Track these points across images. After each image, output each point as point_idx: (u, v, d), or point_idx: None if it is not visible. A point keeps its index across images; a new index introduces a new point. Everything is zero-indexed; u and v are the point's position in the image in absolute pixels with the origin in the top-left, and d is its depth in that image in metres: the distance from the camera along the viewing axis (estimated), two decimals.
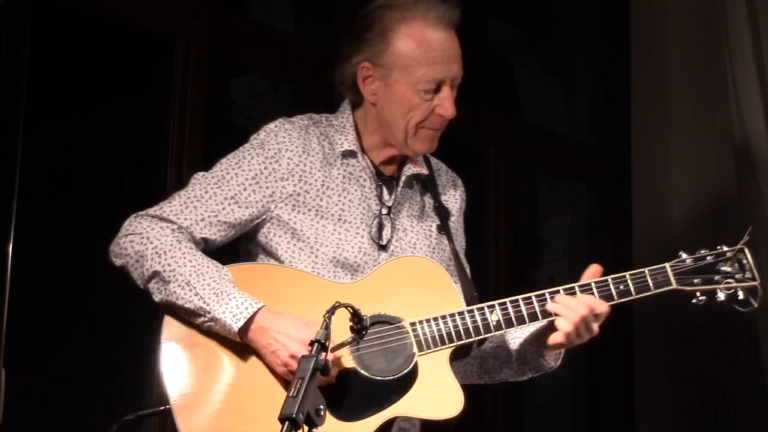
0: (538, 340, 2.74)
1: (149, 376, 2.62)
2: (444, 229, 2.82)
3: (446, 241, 2.81)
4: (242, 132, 4.53)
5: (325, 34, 4.66)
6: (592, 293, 2.67)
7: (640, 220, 5.46)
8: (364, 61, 2.70)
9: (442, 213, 2.84)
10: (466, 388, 2.61)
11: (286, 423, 2.04)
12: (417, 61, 2.65)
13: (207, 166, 3.98)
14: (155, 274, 2.56)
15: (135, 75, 3.96)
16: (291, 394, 2.08)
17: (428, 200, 2.85)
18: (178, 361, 2.55)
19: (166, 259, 2.55)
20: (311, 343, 2.19)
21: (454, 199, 2.92)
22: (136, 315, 3.85)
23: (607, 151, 5.71)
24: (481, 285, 5.01)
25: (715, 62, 4.97)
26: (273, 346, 2.50)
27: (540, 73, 5.79)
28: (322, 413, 2.11)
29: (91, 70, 3.84)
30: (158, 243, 2.57)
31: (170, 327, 2.58)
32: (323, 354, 2.17)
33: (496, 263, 5.04)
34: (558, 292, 2.65)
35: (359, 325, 2.33)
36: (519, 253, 5.25)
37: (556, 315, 2.64)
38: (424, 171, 2.85)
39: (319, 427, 2.20)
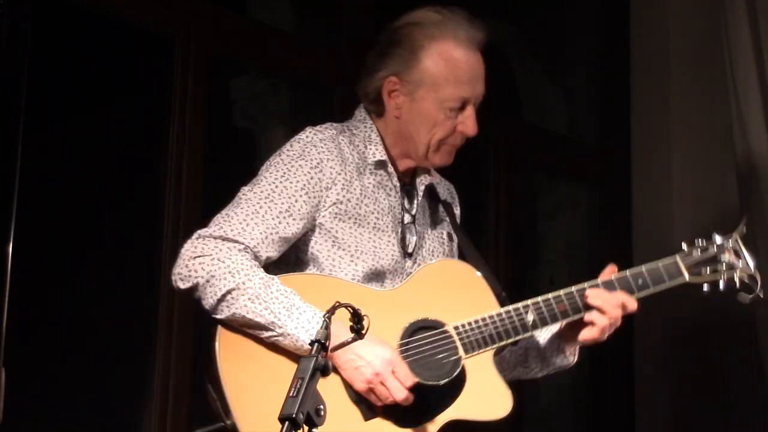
0: (559, 336, 2.82)
1: (149, 377, 2.61)
2: (454, 234, 2.91)
3: (454, 247, 2.90)
4: (242, 132, 4.55)
5: (325, 34, 4.66)
6: (616, 289, 2.76)
7: (640, 220, 5.46)
8: (391, 75, 2.75)
9: (451, 217, 2.92)
10: None
11: (286, 423, 2.04)
12: (445, 80, 2.72)
13: (207, 166, 4.00)
14: (228, 292, 2.55)
15: (135, 75, 3.96)
16: (291, 394, 2.08)
17: (436, 208, 2.92)
18: (239, 376, 2.54)
19: (240, 277, 2.55)
20: (311, 343, 2.19)
21: (454, 205, 3.00)
22: (136, 315, 3.86)
23: (607, 151, 5.71)
24: None
25: (715, 63, 4.97)
26: (356, 362, 2.53)
27: (540, 73, 5.79)
28: (322, 413, 2.11)
29: (91, 70, 3.84)
30: (230, 263, 2.57)
31: (228, 341, 2.57)
32: (323, 354, 2.17)
33: (496, 263, 5.04)
34: (584, 288, 2.75)
35: (359, 325, 2.33)
36: (519, 253, 5.25)
37: (596, 308, 2.72)
38: (436, 180, 2.92)
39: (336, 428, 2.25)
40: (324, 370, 2.15)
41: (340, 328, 2.32)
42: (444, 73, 2.71)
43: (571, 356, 2.86)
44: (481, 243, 5.10)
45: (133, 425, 3.86)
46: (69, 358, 3.65)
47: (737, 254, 2.88)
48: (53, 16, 3.61)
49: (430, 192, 2.90)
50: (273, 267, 2.69)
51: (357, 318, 2.32)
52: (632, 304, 2.76)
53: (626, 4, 5.59)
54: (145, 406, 3.84)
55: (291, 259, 2.75)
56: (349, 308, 2.29)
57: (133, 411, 3.86)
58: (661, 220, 5.35)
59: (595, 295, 2.74)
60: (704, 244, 2.88)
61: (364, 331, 2.33)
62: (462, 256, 2.91)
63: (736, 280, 2.86)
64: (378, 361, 2.51)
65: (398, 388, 2.52)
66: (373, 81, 2.79)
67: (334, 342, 2.25)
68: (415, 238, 2.79)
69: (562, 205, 5.75)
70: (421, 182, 2.85)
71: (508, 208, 5.17)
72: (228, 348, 2.57)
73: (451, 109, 2.73)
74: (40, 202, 3.48)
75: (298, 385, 2.09)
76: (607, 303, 2.72)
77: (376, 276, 2.71)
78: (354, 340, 2.40)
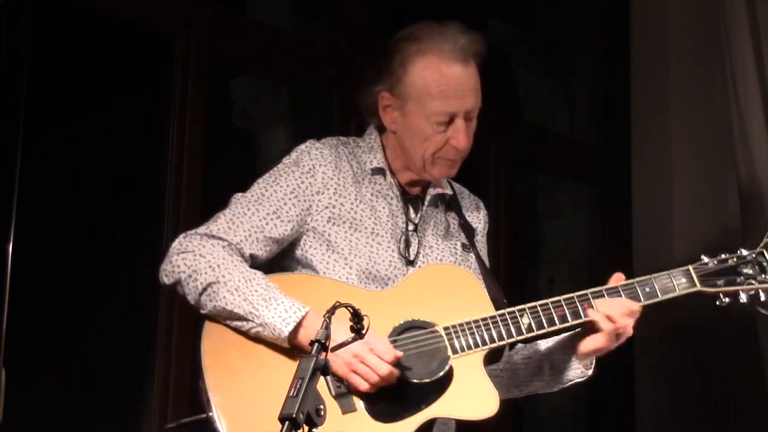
0: (571, 347, 2.80)
1: (149, 376, 2.61)
2: (470, 246, 2.90)
3: (472, 258, 2.88)
4: (242, 132, 4.56)
5: (325, 34, 4.66)
6: (620, 296, 2.74)
7: (640, 221, 5.47)
8: (384, 90, 2.78)
9: (468, 231, 2.92)
10: None
11: (286, 423, 2.04)
12: (430, 94, 2.71)
13: (207, 166, 4.00)
14: (209, 285, 2.59)
15: (135, 75, 3.96)
16: (291, 394, 2.08)
17: (452, 220, 2.92)
18: (221, 369, 2.56)
19: (220, 271, 2.59)
20: (311, 343, 2.19)
21: (477, 220, 2.99)
22: (135, 314, 3.87)
23: (607, 151, 5.71)
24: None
25: (715, 62, 4.97)
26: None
27: (540, 73, 5.80)
28: (322, 413, 2.11)
29: (92, 70, 3.84)
30: (211, 258, 2.61)
31: (213, 334, 2.60)
32: (323, 354, 2.17)
33: (496, 263, 5.03)
34: (586, 295, 2.72)
35: (359, 325, 2.33)
36: (519, 253, 5.25)
37: (603, 315, 2.70)
38: (449, 191, 2.92)
39: (346, 428, 2.25)
40: (324, 369, 2.15)
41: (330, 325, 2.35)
42: (429, 88, 2.71)
43: (586, 369, 2.85)
44: None
45: (133, 425, 3.87)
46: (69, 357, 3.65)
47: (761, 268, 2.84)
48: (53, 16, 3.61)
49: (449, 204, 2.92)
50: (267, 271, 2.71)
51: (357, 318, 2.32)
52: (635, 307, 2.74)
53: (626, 4, 5.59)
54: (145, 406, 3.84)
55: (286, 263, 2.78)
56: (349, 308, 2.29)
57: (133, 411, 3.87)
58: (661, 221, 5.35)
59: (601, 302, 2.71)
60: (725, 256, 2.85)
61: (364, 331, 2.34)
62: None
63: (761, 293, 2.83)
64: (355, 345, 2.48)
65: (378, 363, 2.52)
66: (369, 96, 2.82)
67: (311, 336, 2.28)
68: (416, 246, 2.79)
69: (563, 205, 5.75)
70: (429, 192, 2.86)
71: (508, 208, 5.18)
72: (212, 343, 2.59)
73: (439, 123, 2.73)
74: (40, 202, 3.48)
75: (298, 385, 2.09)
76: (614, 310, 2.70)
77: (372, 279, 2.72)
78: (354, 340, 2.40)
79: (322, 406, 2.11)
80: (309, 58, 4.47)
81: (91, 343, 3.70)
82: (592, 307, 2.71)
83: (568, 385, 2.87)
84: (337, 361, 2.51)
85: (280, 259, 2.79)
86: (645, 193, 5.46)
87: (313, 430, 2.10)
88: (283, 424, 2.05)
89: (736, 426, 4.98)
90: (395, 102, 2.77)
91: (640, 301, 2.76)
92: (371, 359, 2.52)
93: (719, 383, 5.04)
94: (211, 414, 2.50)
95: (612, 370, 5.51)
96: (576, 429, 5.65)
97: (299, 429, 2.05)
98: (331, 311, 2.24)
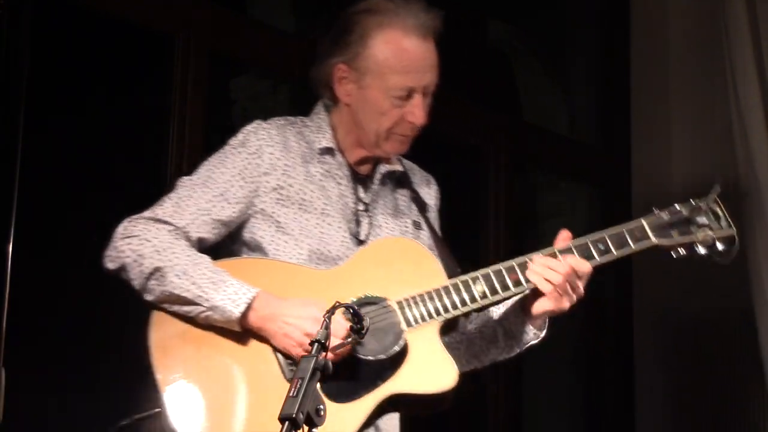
0: (523, 310, 2.73)
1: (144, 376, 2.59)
2: (421, 221, 2.84)
3: (424, 236, 2.83)
4: None
5: (325, 35, 4.66)
6: (574, 256, 2.69)
7: None
8: (341, 62, 2.73)
9: (419, 205, 2.86)
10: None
11: (286, 423, 2.04)
12: (390, 68, 2.68)
13: None
14: (156, 270, 2.56)
15: (135, 75, 3.96)
16: (291, 394, 2.08)
17: (403, 197, 2.87)
18: (171, 360, 2.53)
19: (166, 255, 2.56)
20: (311, 343, 2.18)
21: (429, 196, 2.93)
22: (135, 314, 3.86)
23: (607, 151, 5.71)
24: None
25: (715, 62, 4.97)
26: (284, 328, 2.51)
27: (540, 73, 5.80)
28: (322, 413, 2.11)
29: (92, 70, 3.85)
30: (157, 242, 2.58)
31: (161, 324, 2.57)
32: (323, 354, 2.17)
33: (495, 263, 5.03)
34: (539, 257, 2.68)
35: (359, 325, 2.33)
36: (519, 253, 5.24)
37: (536, 279, 2.65)
38: (399, 168, 2.86)
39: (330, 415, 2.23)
40: (324, 369, 2.15)
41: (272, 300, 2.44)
42: (390, 62, 2.68)
43: (539, 330, 2.75)
44: (481, 243, 5.11)
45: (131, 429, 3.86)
46: (69, 358, 3.65)
47: (715, 216, 2.78)
48: (53, 16, 3.61)
49: (399, 181, 2.87)
50: (215, 257, 2.67)
51: (357, 318, 2.32)
52: (583, 267, 2.66)
53: (626, 3, 5.59)
54: (143, 408, 3.83)
55: (234, 247, 2.74)
56: (350, 308, 2.29)
57: (133, 410, 3.86)
58: None
59: (537, 262, 2.67)
60: (678, 207, 2.79)
61: (364, 331, 2.33)
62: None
63: (717, 243, 2.75)
64: (305, 321, 2.48)
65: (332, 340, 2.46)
66: (324, 67, 2.77)
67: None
68: (367, 225, 2.75)
69: (563, 205, 5.75)
70: (379, 170, 2.81)
71: (508, 208, 5.18)
72: (161, 334, 2.55)
73: (397, 98, 2.69)
74: (40, 202, 3.48)
75: (298, 385, 2.08)
76: (548, 271, 2.64)
77: (323, 260, 2.67)
78: (354, 340, 2.40)
79: (322, 406, 2.11)
80: (309, 58, 4.47)
81: (91, 343, 3.69)
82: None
83: (524, 348, 2.80)
84: (289, 342, 2.49)
85: (229, 244, 2.75)
86: (645, 193, 5.46)
87: (313, 430, 2.09)
88: (283, 424, 2.04)
89: (736, 426, 4.98)
90: (352, 74, 2.72)
91: (594, 259, 2.70)
92: (294, 315, 2.50)
93: (719, 382, 5.03)
94: (162, 408, 2.47)
95: (612, 370, 5.52)
96: (576, 428, 5.65)
97: (299, 429, 2.05)
98: (331, 311, 2.23)
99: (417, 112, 2.71)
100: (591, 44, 5.87)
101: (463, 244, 5.08)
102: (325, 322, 2.21)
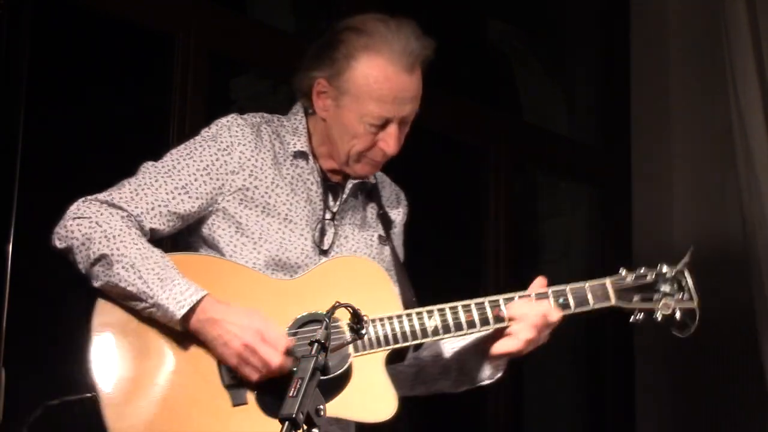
0: (482, 350, 2.69)
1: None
2: (386, 238, 2.80)
3: (387, 252, 2.79)
4: None
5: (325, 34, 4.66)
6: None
7: (640, 220, 5.47)
8: (322, 77, 2.69)
9: (385, 222, 2.81)
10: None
11: (286, 423, 2.04)
12: (369, 95, 2.62)
13: None
14: (102, 257, 2.50)
15: (135, 75, 3.96)
16: (291, 394, 2.07)
17: (371, 210, 2.83)
18: (109, 349, 2.48)
19: (115, 243, 2.49)
20: (311, 343, 2.18)
21: (396, 212, 2.88)
22: None
23: (607, 151, 5.71)
24: (481, 285, 5.03)
25: (715, 61, 4.97)
26: (224, 337, 2.45)
27: (540, 73, 5.80)
28: (322, 413, 2.11)
29: (92, 70, 3.84)
30: (107, 227, 2.51)
31: (103, 312, 2.51)
32: (323, 354, 2.16)
33: (496, 263, 5.04)
34: (497, 301, 2.62)
35: (359, 325, 2.32)
36: (519, 253, 5.25)
37: (512, 320, 2.60)
38: (371, 180, 2.82)
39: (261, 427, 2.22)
40: (324, 369, 2.15)
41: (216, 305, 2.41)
42: (370, 89, 2.61)
43: (497, 370, 2.72)
44: (481, 243, 5.11)
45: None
46: (69, 357, 3.64)
47: (680, 286, 2.75)
48: (53, 16, 3.61)
49: (369, 194, 2.83)
50: (173, 247, 2.64)
51: (356, 318, 2.31)
52: (554, 316, 2.62)
53: (626, 4, 5.60)
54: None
55: (191, 240, 2.69)
56: (349, 308, 2.29)
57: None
58: (661, 220, 5.36)
59: (513, 305, 2.61)
60: (643, 271, 2.74)
61: (363, 331, 2.33)
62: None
63: (677, 312, 2.76)
64: (246, 332, 2.43)
65: (270, 352, 2.42)
66: (305, 78, 2.73)
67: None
68: (331, 235, 2.70)
69: (563, 205, 5.75)
70: (351, 181, 2.75)
71: (508, 208, 5.17)
72: (104, 323, 2.51)
73: (371, 125, 2.64)
74: (40, 202, 3.48)
75: (297, 385, 2.08)
76: (526, 314, 2.60)
77: (280, 267, 2.63)
78: (354, 340, 2.40)
79: (322, 407, 2.11)
80: None
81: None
82: (503, 313, 2.61)
83: (477, 385, 2.76)
84: (228, 352, 2.45)
85: (186, 236, 2.70)
86: (645, 193, 5.47)
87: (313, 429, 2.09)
88: (283, 424, 2.04)
89: (736, 425, 4.98)
90: (331, 91, 2.67)
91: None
92: (263, 349, 2.43)
93: (719, 383, 5.04)
94: (95, 394, 2.44)
95: (612, 369, 5.52)
96: (575, 428, 5.65)
97: (299, 429, 2.05)
98: (331, 311, 2.23)
99: (390, 142, 2.66)
100: (591, 44, 5.87)
101: (463, 244, 5.10)
102: (325, 322, 2.21)
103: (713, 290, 4.73)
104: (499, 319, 2.62)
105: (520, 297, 2.64)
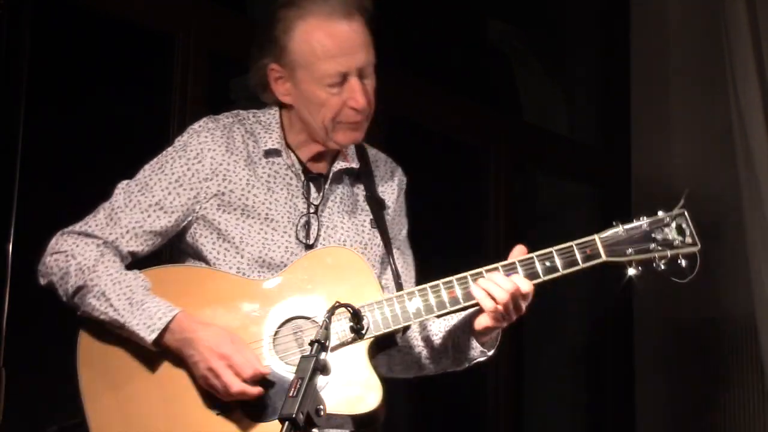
0: (469, 326, 2.63)
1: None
2: (378, 221, 2.74)
3: (379, 235, 2.73)
4: None
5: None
6: (517, 272, 2.56)
7: None
8: (272, 62, 2.66)
9: (374, 205, 2.75)
10: (458, 390, 2.56)
11: (286, 423, 2.04)
12: (315, 57, 2.58)
13: None
14: (78, 289, 2.53)
15: (135, 75, 3.96)
16: (291, 394, 2.08)
17: (361, 194, 2.77)
18: (95, 373, 2.52)
19: (88, 274, 2.52)
20: (311, 343, 2.18)
21: (391, 189, 2.83)
22: None
23: (607, 151, 5.71)
24: None
25: (715, 62, 4.97)
26: (194, 357, 2.46)
27: (540, 73, 5.79)
28: (322, 413, 2.11)
29: (92, 70, 3.84)
30: (82, 259, 2.54)
31: (88, 334, 2.55)
32: (323, 354, 2.17)
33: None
34: (480, 274, 2.55)
35: (359, 325, 2.32)
36: None
37: (479, 296, 2.53)
38: (354, 165, 2.76)
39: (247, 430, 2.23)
40: (324, 370, 2.15)
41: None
42: (315, 51, 2.58)
43: (487, 349, 2.65)
44: (481, 243, 5.11)
45: None
46: (69, 357, 3.64)
47: (680, 229, 2.62)
48: (53, 16, 3.61)
49: (357, 177, 2.76)
50: (157, 263, 2.64)
51: (356, 318, 2.31)
52: (525, 287, 2.52)
53: (626, 4, 5.59)
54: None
55: (183, 248, 2.68)
56: (349, 308, 2.29)
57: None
58: None
59: (480, 282, 2.53)
60: (637, 222, 2.63)
61: (364, 331, 2.33)
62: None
63: (681, 260, 2.58)
64: (212, 355, 2.43)
65: (231, 382, 2.41)
66: (259, 70, 2.71)
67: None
68: (316, 228, 2.66)
69: (563, 205, 5.75)
70: (333, 168, 2.71)
71: (508, 208, 5.18)
72: (88, 345, 2.54)
73: (331, 86, 2.59)
74: (40, 202, 3.48)
75: (298, 385, 2.08)
76: (493, 288, 2.51)
77: (266, 267, 2.59)
78: (354, 340, 2.40)
79: (321, 407, 2.11)
80: None
81: None
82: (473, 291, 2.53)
83: (473, 363, 2.71)
84: (197, 372, 2.46)
85: (178, 243, 2.68)
86: (645, 193, 5.46)
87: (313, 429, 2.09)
88: (283, 424, 2.04)
89: (736, 425, 4.98)
90: (285, 72, 2.64)
91: (538, 276, 2.56)
92: (226, 377, 2.42)
93: (719, 383, 5.04)
94: (84, 420, 2.48)
95: (612, 369, 5.52)
96: (575, 427, 5.65)
97: (299, 429, 2.05)
98: (331, 311, 2.23)
99: (357, 96, 2.60)
100: (591, 44, 5.87)
101: (464, 244, 5.09)
102: (325, 322, 2.21)
103: (713, 290, 4.75)
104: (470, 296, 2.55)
105: (503, 267, 2.56)
